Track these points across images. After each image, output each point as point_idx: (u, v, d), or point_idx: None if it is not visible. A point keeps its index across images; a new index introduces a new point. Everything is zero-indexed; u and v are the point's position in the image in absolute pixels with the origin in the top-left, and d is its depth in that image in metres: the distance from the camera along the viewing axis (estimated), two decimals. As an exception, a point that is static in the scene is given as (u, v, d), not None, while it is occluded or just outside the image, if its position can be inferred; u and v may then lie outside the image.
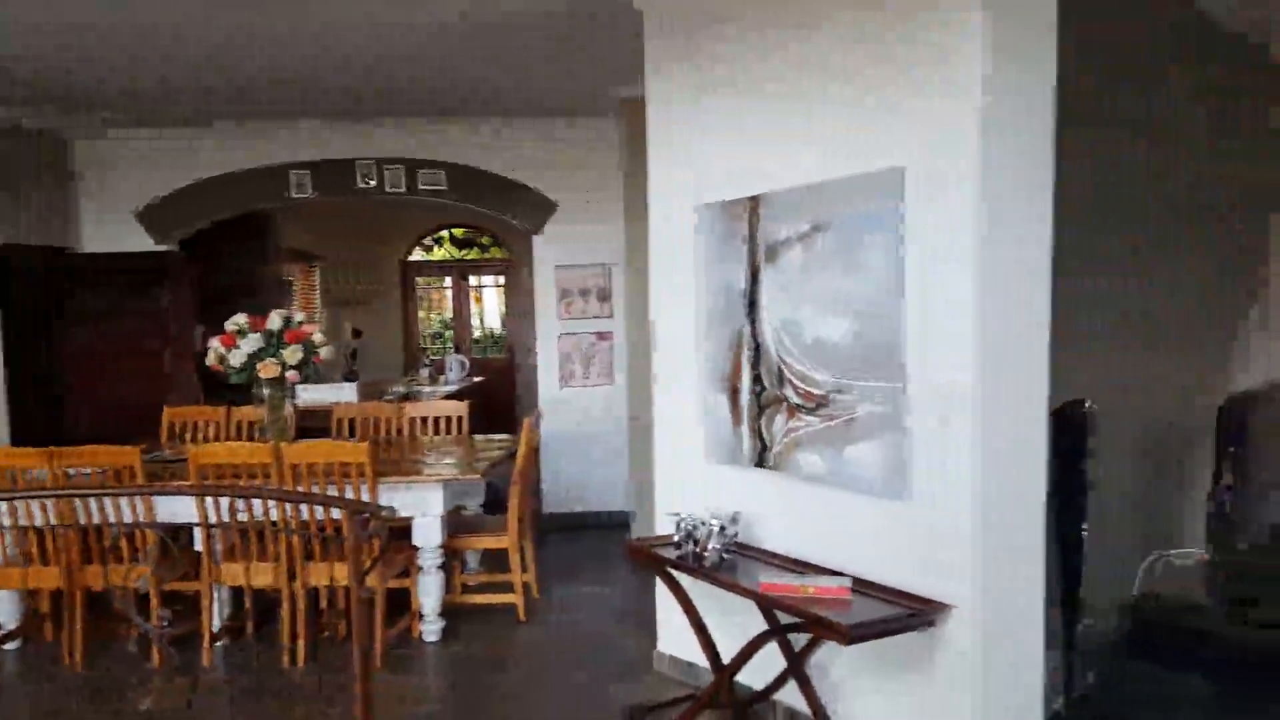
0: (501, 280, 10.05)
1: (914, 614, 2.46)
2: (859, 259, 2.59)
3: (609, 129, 5.62)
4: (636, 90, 3.64)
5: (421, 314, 10.06)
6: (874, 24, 2.56)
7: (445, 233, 9.61)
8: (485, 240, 9.65)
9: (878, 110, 2.55)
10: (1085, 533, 2.69)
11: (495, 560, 4.50)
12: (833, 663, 2.87)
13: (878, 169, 2.51)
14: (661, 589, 3.28)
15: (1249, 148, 4.63)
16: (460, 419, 4.96)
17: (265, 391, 4.00)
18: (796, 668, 2.81)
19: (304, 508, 3.61)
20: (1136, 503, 3.64)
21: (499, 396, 8.22)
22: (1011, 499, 2.47)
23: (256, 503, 3.61)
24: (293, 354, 3.95)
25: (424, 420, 4.99)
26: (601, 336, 6.01)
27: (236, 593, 3.97)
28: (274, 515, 3.69)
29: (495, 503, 4.74)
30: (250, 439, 4.45)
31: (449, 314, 10.29)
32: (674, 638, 3.50)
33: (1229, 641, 2.87)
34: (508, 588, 4.26)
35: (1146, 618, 3.02)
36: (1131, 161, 3.48)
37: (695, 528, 3.00)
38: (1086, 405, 2.63)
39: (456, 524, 4.32)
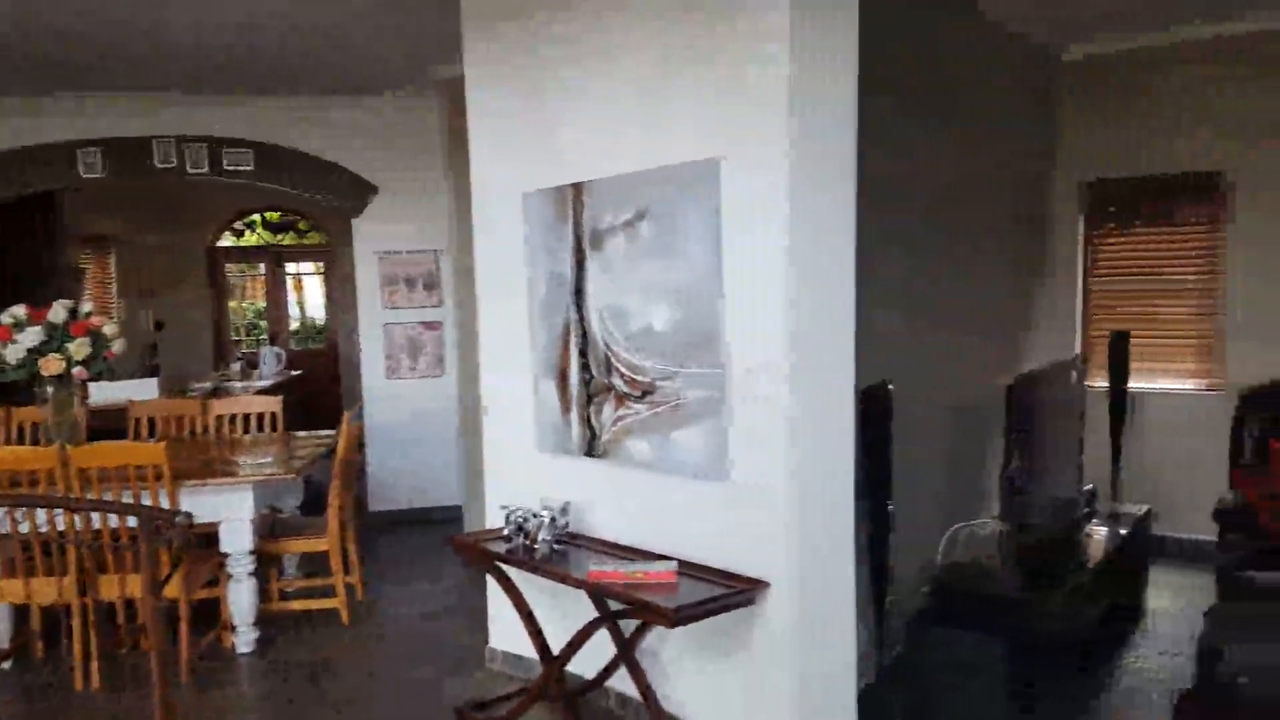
0: (322, 267, 9.57)
1: (735, 593, 2.53)
2: (680, 247, 2.63)
3: (431, 108, 5.45)
4: (457, 69, 3.54)
5: (233, 304, 9.44)
6: (690, 16, 2.60)
7: (257, 216, 9.04)
8: (302, 225, 9.16)
9: (695, 101, 2.60)
10: (891, 508, 2.85)
11: (317, 563, 4.29)
12: (662, 646, 2.92)
13: (696, 159, 2.56)
14: (493, 584, 3.23)
15: (1037, 147, 5.09)
16: (274, 415, 4.68)
17: (49, 390, 3.62)
18: (626, 654, 2.83)
19: (94, 516, 3.29)
20: (943, 478, 3.92)
21: (321, 391, 7.83)
22: (824, 477, 2.59)
23: (41, 512, 3.26)
24: (80, 348, 3.58)
25: (234, 418, 4.67)
26: (429, 326, 5.84)
27: (21, 611, 3.59)
28: (61, 525, 3.35)
29: (315, 503, 4.51)
30: (35, 442, 4.03)
31: (263, 303, 9.71)
32: (506, 632, 3.46)
33: (1020, 605, 3.13)
34: (330, 592, 4.07)
35: (949, 586, 3.25)
36: (930, 158, 3.71)
37: (526, 520, 2.98)
38: (889, 386, 2.79)
39: (273, 527, 4.08)
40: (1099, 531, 4.00)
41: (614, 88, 2.85)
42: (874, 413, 2.75)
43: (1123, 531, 4.01)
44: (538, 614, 3.06)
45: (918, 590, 3.34)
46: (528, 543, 2.95)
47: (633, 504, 2.99)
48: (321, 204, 5.88)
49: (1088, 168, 5.17)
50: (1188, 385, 5.04)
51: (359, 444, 4.82)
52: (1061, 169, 5.25)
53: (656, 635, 2.85)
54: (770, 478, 2.56)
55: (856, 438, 2.68)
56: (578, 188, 2.94)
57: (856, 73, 2.52)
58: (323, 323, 9.78)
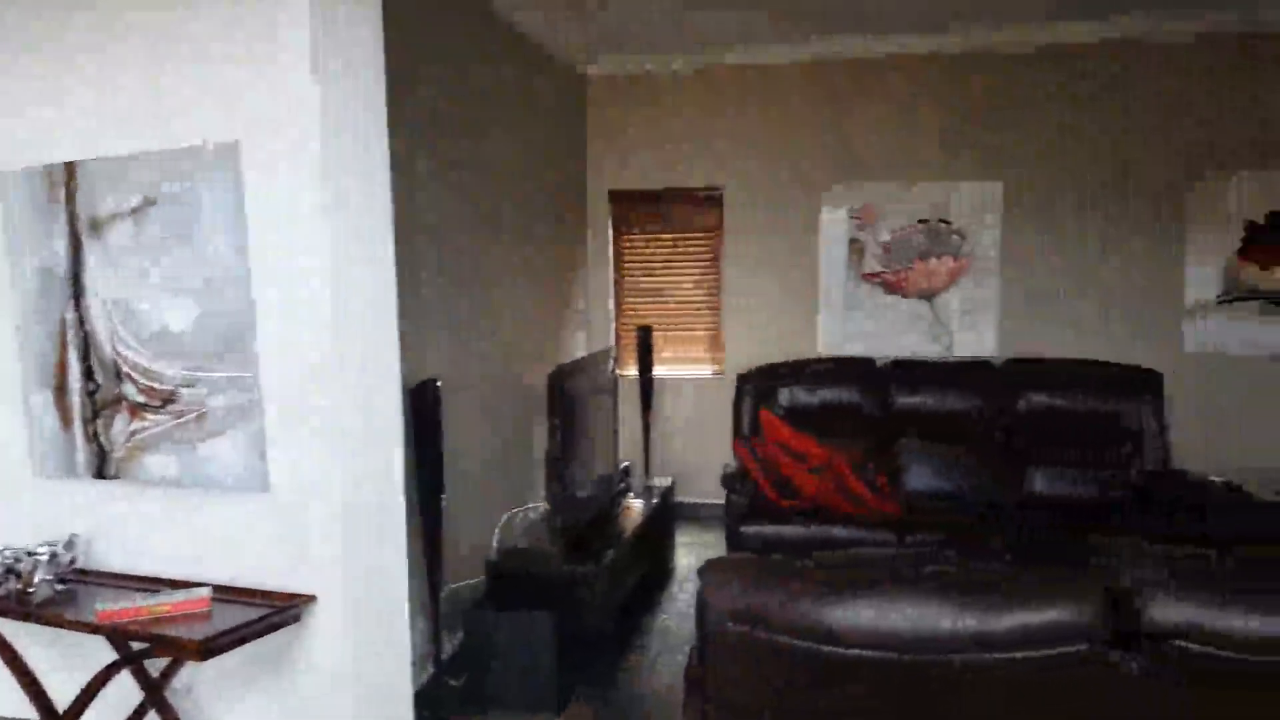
0: None
1: (276, 612, 2.37)
2: (199, 239, 2.38)
3: None
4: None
5: None
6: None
7: None
8: None
9: (209, 80, 2.37)
10: (445, 503, 2.90)
11: None
12: (200, 681, 2.64)
13: (212, 142, 2.34)
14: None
15: (572, 157, 5.53)
16: None
17: None
18: (154, 695, 2.51)
19: None
20: (499, 467, 4.08)
21: None
22: (371, 478, 2.55)
23: None
24: None
25: None
26: None
27: None
28: None
29: None
30: None
31: None
32: (2, 698, 2.86)
33: (565, 580, 3.38)
34: None
35: (503, 571, 3.40)
36: (475, 164, 3.84)
37: (17, 560, 2.49)
38: (438, 383, 2.83)
39: None
40: (634, 504, 4.49)
41: (114, 54, 2.49)
42: (424, 410, 2.76)
43: (653, 502, 4.55)
44: (44, 668, 2.58)
45: (476, 579, 3.44)
46: (20, 588, 2.46)
47: (157, 528, 2.65)
48: None
49: (615, 177, 5.76)
50: (702, 370, 5.85)
51: None
52: (595, 178, 5.78)
53: (192, 670, 2.56)
54: (313, 484, 2.44)
55: (407, 435, 2.67)
56: (70, 167, 2.51)
57: (383, 65, 2.50)
58: None
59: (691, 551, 5.12)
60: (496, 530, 3.58)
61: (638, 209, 5.82)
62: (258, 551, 2.52)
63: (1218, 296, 5.09)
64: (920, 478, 4.71)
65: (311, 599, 2.44)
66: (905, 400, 4.95)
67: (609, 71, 5.64)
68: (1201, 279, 5.10)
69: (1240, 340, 5.07)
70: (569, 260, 5.54)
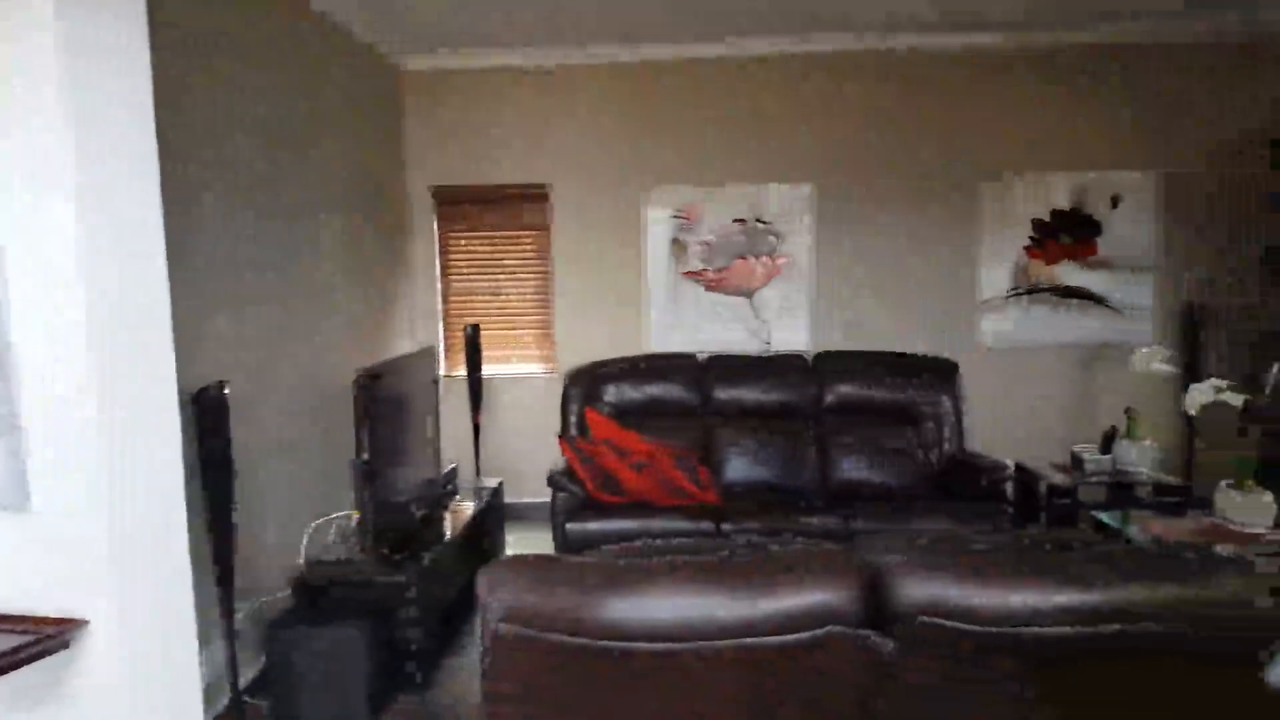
0: None
1: (41, 639, 2.17)
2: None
3: None
4: None
5: None
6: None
7: None
8: None
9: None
10: (236, 516, 2.74)
11: None
12: (-52, 725, 2.38)
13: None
14: None
15: (390, 152, 5.35)
16: None
17: None
18: (-112, 749, 2.24)
19: None
20: (307, 474, 3.90)
21: None
22: (146, 493, 2.37)
23: None
24: None
25: None
26: None
27: None
28: None
29: None
30: None
31: None
32: None
33: (380, 587, 3.27)
34: None
35: (312, 584, 3.25)
36: (248, 151, 3.64)
37: None
38: (225, 388, 2.66)
39: None
40: (462, 506, 4.41)
41: None
42: (208, 417, 2.59)
43: (481, 504, 4.48)
44: None
45: (280, 594, 3.27)
46: None
47: (-110, 559, 2.36)
48: None
49: (437, 173, 5.63)
50: (534, 369, 5.81)
51: None
52: (416, 174, 5.63)
53: (-62, 714, 2.31)
54: (81, 501, 2.24)
55: (195, 445, 2.50)
56: None
57: (146, 54, 2.33)
58: None
59: (522, 551, 5.08)
60: (304, 540, 3.42)
61: (463, 206, 5.71)
62: (19, 575, 2.29)
63: (1008, 291, 5.51)
64: (738, 468, 4.86)
65: (82, 623, 2.24)
66: (724, 394, 5.09)
67: (429, 66, 5.50)
68: (994, 274, 5.51)
69: (1029, 331, 5.51)
70: (391, 258, 5.38)
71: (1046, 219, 5.46)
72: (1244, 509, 3.42)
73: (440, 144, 5.61)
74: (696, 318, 5.63)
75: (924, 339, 5.45)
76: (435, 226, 5.71)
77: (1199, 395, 3.71)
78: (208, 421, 2.57)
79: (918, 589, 1.64)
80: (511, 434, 5.74)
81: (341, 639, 3.07)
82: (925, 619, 1.63)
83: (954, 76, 5.38)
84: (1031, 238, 5.47)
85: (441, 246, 5.75)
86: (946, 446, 4.91)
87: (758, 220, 5.56)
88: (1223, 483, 3.58)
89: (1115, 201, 5.39)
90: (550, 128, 5.57)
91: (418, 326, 5.72)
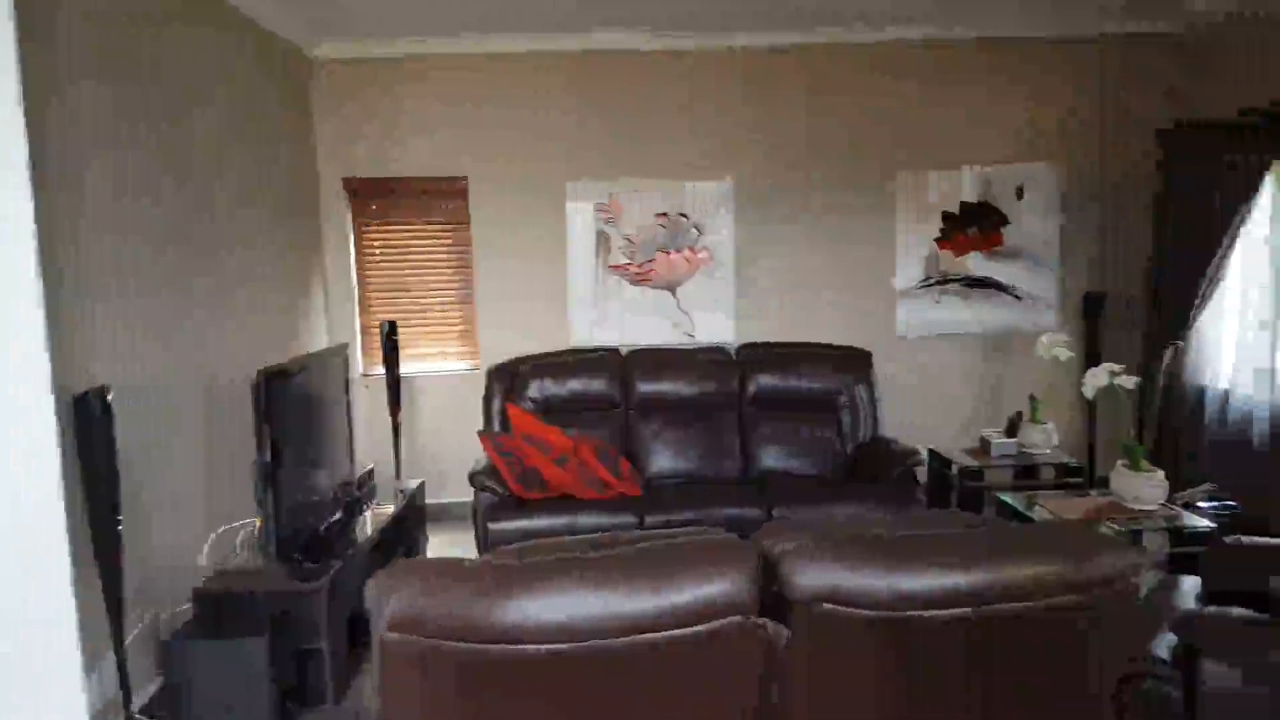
0: None
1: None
2: None
3: None
4: None
5: None
6: None
7: None
8: None
9: None
10: (121, 527, 2.61)
11: None
12: None
13: None
14: None
15: (301, 142, 5.18)
16: None
17: None
18: None
19: None
20: (208, 480, 3.75)
21: None
22: (15, 508, 2.24)
23: None
24: None
25: None
26: None
27: None
28: None
29: None
30: None
31: None
32: None
33: (289, 596, 3.17)
34: None
35: (212, 596, 3.13)
36: (174, 152, 3.50)
37: None
38: (109, 393, 2.54)
39: None
40: (380, 509, 4.31)
41: None
42: (89, 423, 2.47)
43: (401, 505, 4.39)
44: None
45: (180, 607, 3.15)
46: None
47: None
48: None
49: (351, 164, 5.49)
50: (456, 365, 5.72)
51: None
52: (328, 165, 5.48)
53: None
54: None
55: (74, 453, 2.38)
56: None
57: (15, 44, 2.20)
58: None
59: (445, 553, 5.01)
60: (204, 551, 3.29)
61: (379, 198, 5.58)
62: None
63: (921, 281, 5.63)
64: (662, 460, 4.87)
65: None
66: (648, 387, 5.09)
67: (340, 54, 5.35)
68: (908, 266, 5.62)
69: (941, 321, 5.64)
70: (304, 253, 5.23)
71: (955, 212, 5.59)
72: (1136, 487, 3.56)
73: (353, 134, 5.47)
74: (622, 311, 5.61)
75: (843, 329, 5.54)
76: (349, 219, 5.57)
77: (1095, 380, 3.84)
78: (89, 428, 2.44)
79: (814, 577, 1.65)
80: (434, 432, 5.65)
81: (244, 652, 2.97)
82: (820, 606, 1.65)
83: (868, 72, 5.46)
84: (942, 230, 5.60)
85: (357, 240, 5.61)
86: (862, 434, 5.00)
87: (680, 214, 5.57)
88: (1119, 463, 3.72)
89: (1020, 193, 5.55)
90: (469, 119, 5.48)
91: (334, 323, 5.57)
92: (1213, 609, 2.01)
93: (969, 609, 1.61)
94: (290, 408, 3.39)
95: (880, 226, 5.60)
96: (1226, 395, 4.83)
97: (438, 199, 5.60)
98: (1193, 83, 5.19)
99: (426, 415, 5.65)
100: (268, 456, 3.09)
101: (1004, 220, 5.58)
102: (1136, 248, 5.45)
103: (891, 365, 5.49)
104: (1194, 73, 5.18)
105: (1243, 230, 4.62)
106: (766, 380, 5.09)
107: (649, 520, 4.30)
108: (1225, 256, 4.72)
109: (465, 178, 5.54)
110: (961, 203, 5.58)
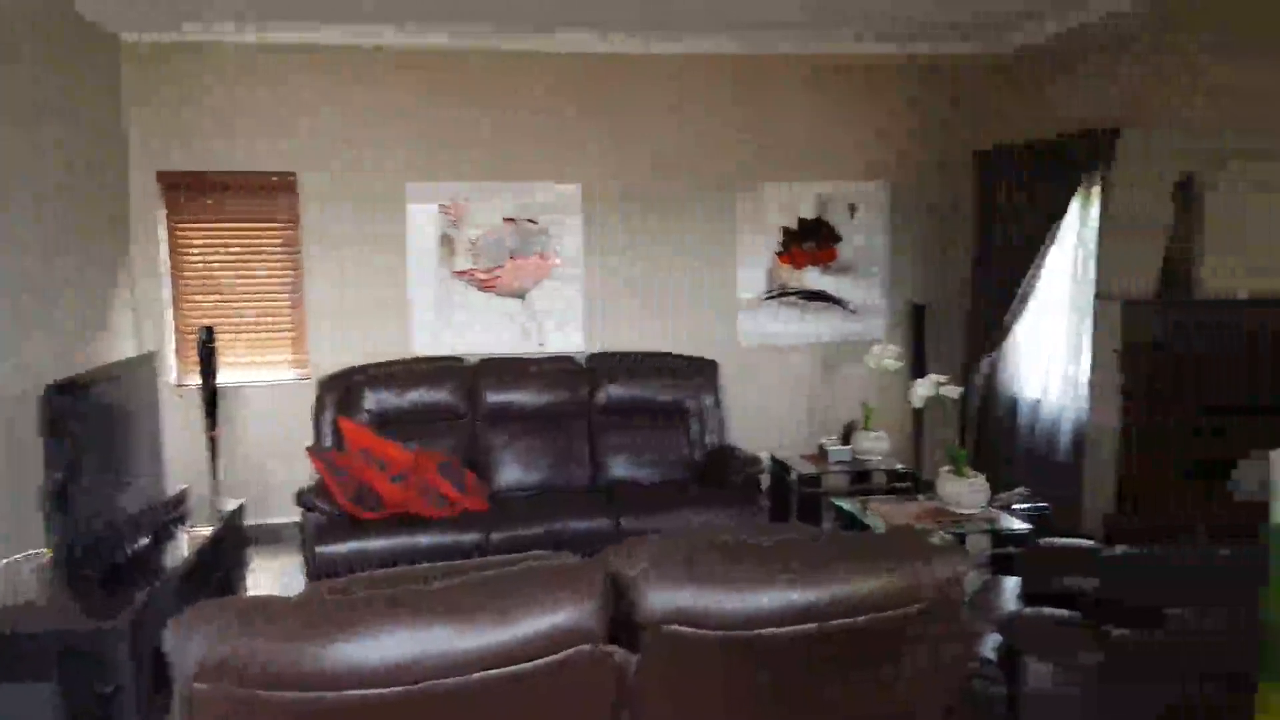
0: None
1: None
2: None
3: None
4: None
5: None
6: None
7: None
8: None
9: None
10: None
11: None
12: None
13: None
14: None
15: (108, 133, 4.71)
16: None
17: None
18: None
19: None
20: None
21: None
22: None
23: None
24: None
25: None
26: None
27: None
28: None
29: None
30: None
31: None
32: None
33: (79, 636, 2.84)
34: None
35: (-6, 634, 2.76)
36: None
37: None
38: None
39: None
40: (195, 532, 3.95)
41: None
42: None
43: (219, 528, 4.04)
44: None
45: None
46: None
47: None
48: None
49: (167, 157, 5.05)
50: (284, 375, 5.36)
51: None
52: (140, 158, 5.02)
53: None
54: None
55: None
56: None
57: None
58: None
59: (270, 579, 4.67)
60: (-19, 588, 2.90)
61: (197, 195, 5.16)
62: None
63: (763, 293, 5.77)
64: (510, 473, 4.75)
65: None
66: (496, 398, 4.95)
67: (155, 40, 4.91)
68: (751, 278, 5.75)
69: (781, 332, 5.80)
70: (110, 253, 4.75)
71: (794, 227, 5.77)
72: (961, 492, 3.76)
73: (169, 126, 5.02)
74: (468, 319, 5.43)
75: (690, 338, 5.59)
76: (163, 217, 5.11)
77: (921, 390, 4.04)
78: None
79: (661, 598, 1.60)
80: (259, 448, 5.26)
81: (29, 698, 2.63)
82: (668, 628, 1.60)
83: (718, 85, 5.55)
84: (781, 244, 5.76)
85: (173, 239, 5.16)
86: (709, 442, 5.06)
87: (528, 220, 5.46)
88: (944, 469, 3.92)
89: (853, 211, 5.80)
90: (301, 112, 5.16)
91: (146, 330, 5.09)
92: (1031, 610, 2.13)
93: (814, 624, 1.61)
94: (88, 423, 3.04)
95: (725, 238, 5.70)
96: (1037, 404, 5.22)
97: (265, 196, 5.24)
98: (1016, 105, 5.54)
99: (251, 429, 5.26)
100: (58, 478, 2.75)
101: (838, 236, 5.80)
102: (959, 263, 5.80)
103: (737, 375, 5.59)
104: (1018, 95, 5.54)
105: (1053, 247, 4.99)
106: (616, 389, 5.07)
107: (495, 537, 4.16)
108: (1037, 272, 5.09)
109: (295, 174, 5.21)
110: (800, 218, 5.77)
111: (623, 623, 1.62)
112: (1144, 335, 3.95)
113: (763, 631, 1.59)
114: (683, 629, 1.60)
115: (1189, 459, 3.73)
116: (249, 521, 4.53)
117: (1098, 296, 4.69)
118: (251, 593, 4.42)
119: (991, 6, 4.86)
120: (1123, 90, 4.63)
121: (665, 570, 1.61)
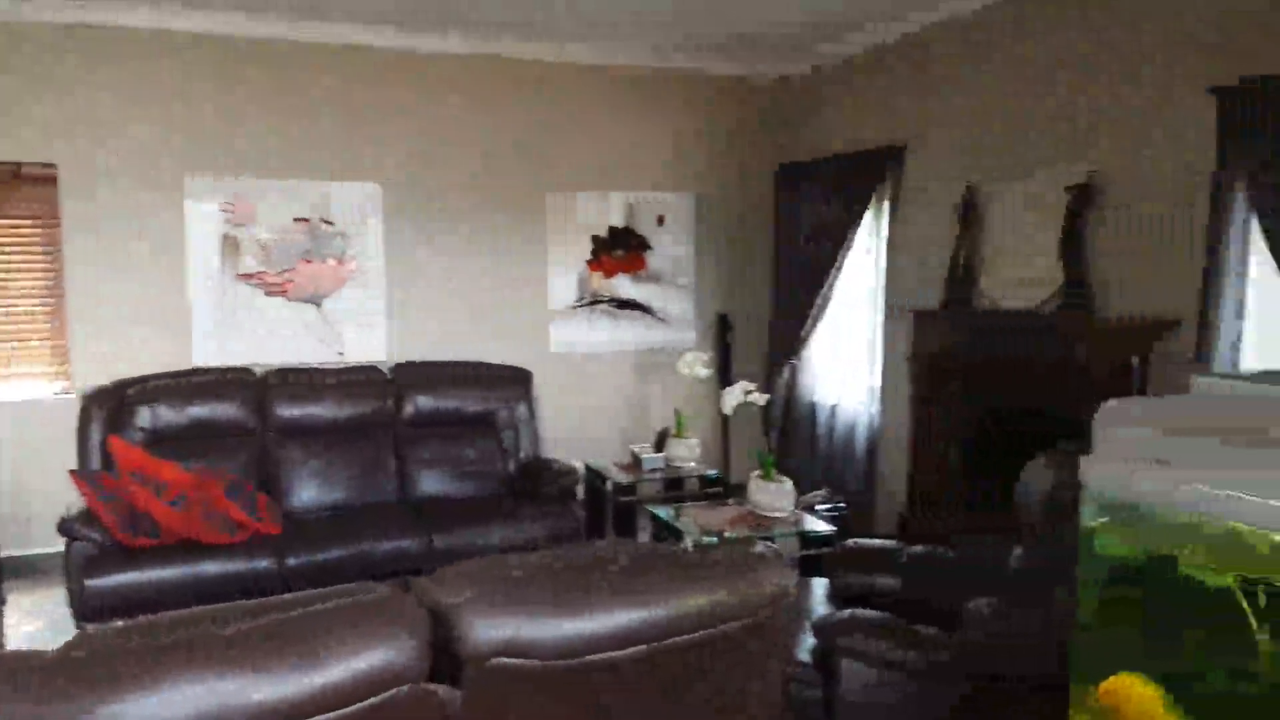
0: None
1: None
2: None
3: None
4: None
5: None
6: None
7: None
8: None
9: None
10: None
11: None
12: None
13: None
14: None
15: None
16: None
17: None
18: None
19: None
20: None
21: None
22: None
23: None
24: None
25: None
26: None
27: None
28: None
29: None
30: None
31: None
32: None
33: None
34: None
35: None
36: None
37: None
38: None
39: None
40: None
41: None
42: None
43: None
44: None
45: None
46: None
47: None
48: None
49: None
50: (43, 391, 4.75)
51: None
52: None
53: None
54: None
55: None
56: None
57: None
58: None
59: (28, 619, 4.11)
60: None
61: (-73, 185, 4.48)
62: None
63: (575, 301, 5.75)
64: (307, 492, 4.44)
65: None
66: (290, 411, 4.61)
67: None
68: (563, 286, 5.72)
69: (594, 340, 5.80)
70: None
71: (604, 235, 5.79)
72: (770, 496, 3.90)
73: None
74: (257, 326, 5.03)
75: (501, 347, 5.46)
76: (-120, 209, 4.39)
77: (731, 398, 4.16)
78: None
79: (487, 630, 1.52)
80: (12, 470, 4.62)
81: None
82: (493, 661, 1.52)
83: (529, 89, 5.47)
84: (592, 252, 5.77)
85: (-108, 236, 4.44)
86: (524, 453, 4.96)
87: (323, 220, 5.14)
88: (754, 473, 4.05)
89: (661, 220, 5.90)
90: (62, 98, 4.59)
91: None
92: (846, 612, 2.22)
93: (645, 645, 1.58)
94: None
95: (535, 245, 5.63)
96: (834, 409, 5.52)
97: (16, 189, 4.62)
98: (816, 122, 5.83)
99: (4, 451, 4.61)
100: None
101: (646, 245, 5.89)
102: (762, 274, 6.04)
103: (550, 383, 5.53)
104: (817, 113, 5.84)
105: (847, 259, 5.31)
106: (424, 401, 4.86)
107: (291, 562, 3.87)
108: (832, 284, 5.39)
109: (55, 165, 4.64)
110: (610, 227, 5.80)
111: (442, 656, 1.52)
112: (930, 345, 4.26)
113: (593, 658, 1.54)
114: (510, 661, 1.52)
115: (974, 461, 4.06)
116: (6, 553, 3.97)
117: (886, 306, 5.03)
118: (9, 634, 3.88)
119: (791, 27, 5.09)
120: (909, 109, 4.99)
121: (491, 599, 1.52)
